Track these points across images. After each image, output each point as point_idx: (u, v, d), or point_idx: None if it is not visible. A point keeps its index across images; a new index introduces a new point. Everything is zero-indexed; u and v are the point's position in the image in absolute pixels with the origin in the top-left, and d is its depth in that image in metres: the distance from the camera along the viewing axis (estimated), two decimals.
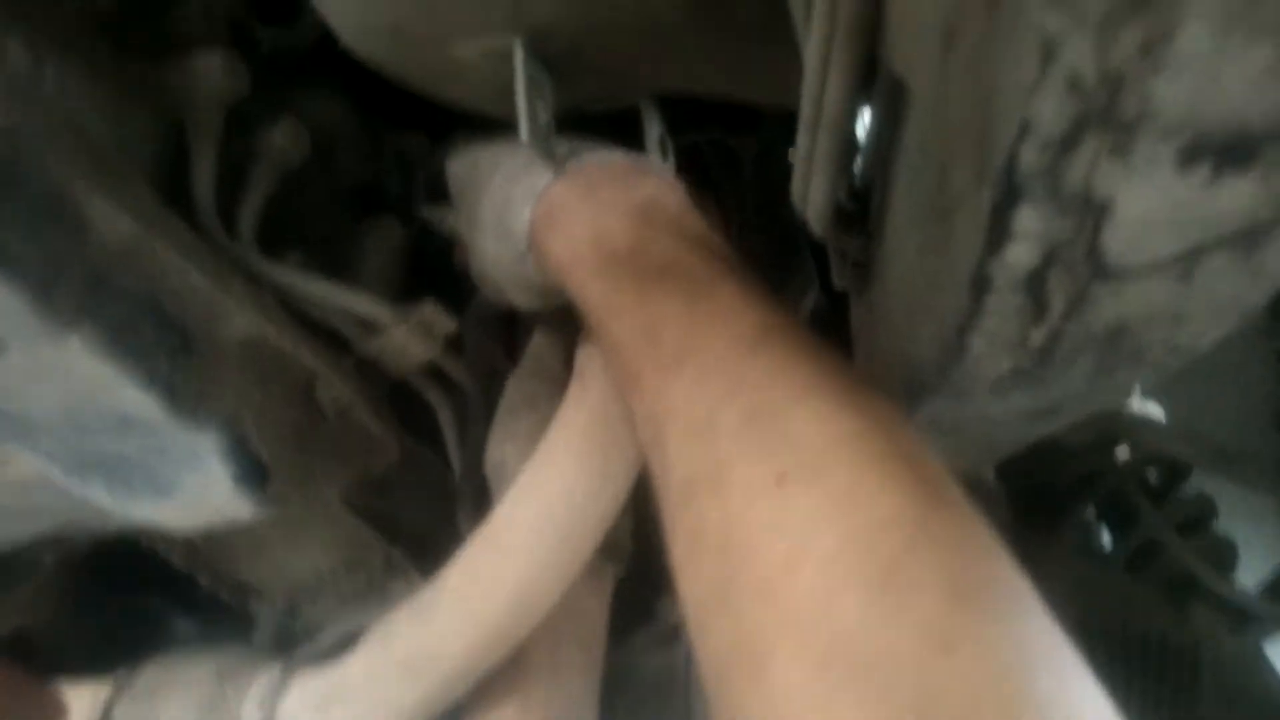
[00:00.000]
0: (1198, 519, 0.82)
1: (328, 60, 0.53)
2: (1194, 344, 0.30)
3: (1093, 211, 0.24)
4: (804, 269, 0.81)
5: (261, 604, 0.75)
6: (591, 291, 0.44)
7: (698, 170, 0.75)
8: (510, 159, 0.51)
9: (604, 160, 0.49)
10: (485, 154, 0.54)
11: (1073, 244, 0.25)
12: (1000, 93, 0.23)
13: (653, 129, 0.54)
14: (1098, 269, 0.26)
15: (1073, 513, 0.83)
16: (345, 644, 0.54)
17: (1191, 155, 0.22)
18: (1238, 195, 0.23)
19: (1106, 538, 0.87)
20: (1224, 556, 0.81)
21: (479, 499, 0.59)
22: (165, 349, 0.42)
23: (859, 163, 0.42)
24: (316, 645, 0.68)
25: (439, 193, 0.65)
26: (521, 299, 0.54)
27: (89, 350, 0.39)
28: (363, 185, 0.65)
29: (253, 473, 0.47)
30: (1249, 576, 0.82)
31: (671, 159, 0.56)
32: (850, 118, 0.36)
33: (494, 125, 0.53)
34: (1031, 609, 0.29)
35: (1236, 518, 0.88)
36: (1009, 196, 0.24)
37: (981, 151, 0.25)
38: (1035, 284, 0.27)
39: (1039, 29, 0.20)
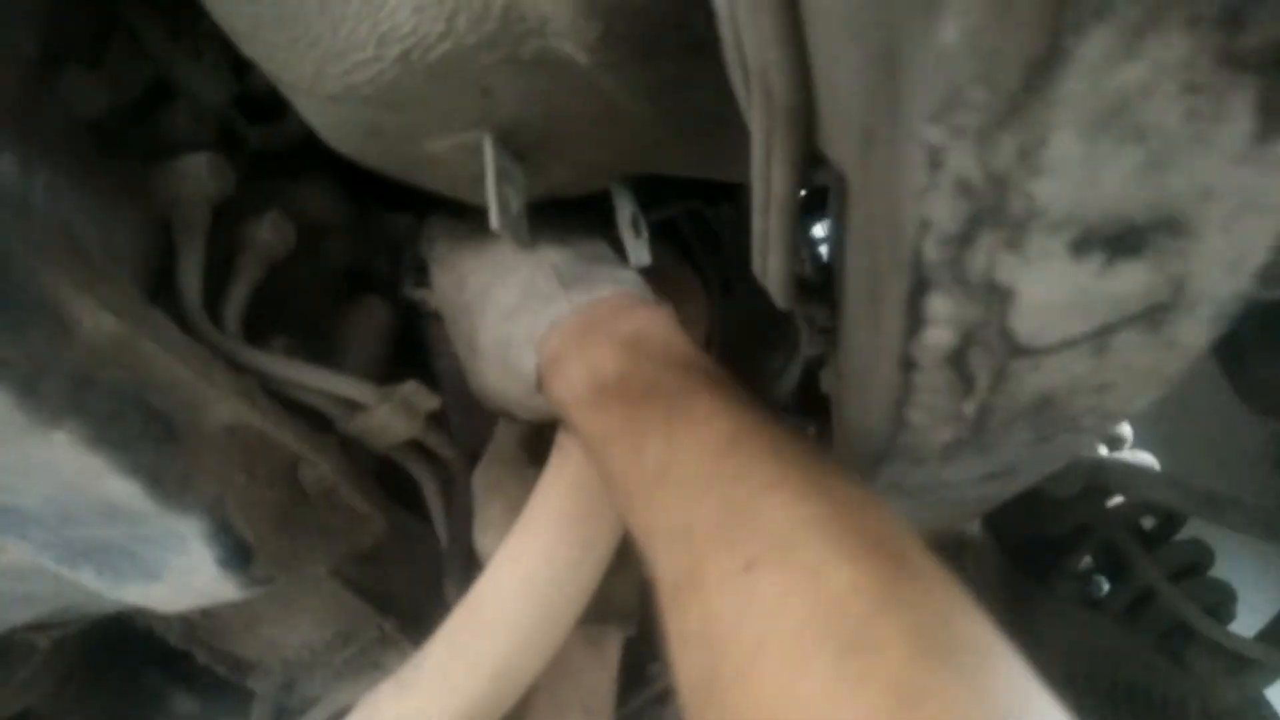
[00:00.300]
0: (1192, 565, 0.82)
1: (315, 152, 0.56)
2: (1124, 409, 0.31)
3: (998, 298, 0.25)
4: (792, 332, 0.82)
5: (258, 679, 0.75)
6: (586, 423, 0.47)
7: (677, 242, 0.77)
8: (501, 288, 0.54)
9: (596, 296, 0.52)
10: (473, 274, 0.57)
11: (985, 326, 0.26)
12: (902, 193, 0.24)
13: (624, 210, 0.56)
14: (1013, 348, 0.27)
15: (1067, 563, 0.83)
16: (335, 716, 0.55)
17: (1082, 246, 0.23)
18: (1134, 280, 0.24)
19: (1107, 587, 0.87)
20: (1221, 602, 0.81)
21: (466, 570, 0.60)
22: (149, 439, 0.44)
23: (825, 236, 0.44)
24: (308, 718, 0.68)
25: (426, 274, 0.67)
26: (527, 418, 0.57)
27: (74, 444, 0.41)
28: (351, 267, 0.68)
29: (237, 555, 0.48)
30: (1254, 622, 0.82)
31: (645, 236, 0.58)
32: (795, 201, 0.38)
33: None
34: (1005, 665, 0.30)
35: (1238, 563, 0.88)
36: (919, 285, 0.25)
37: (896, 243, 0.26)
38: (958, 362, 0.28)
39: (924, 140, 0.22)
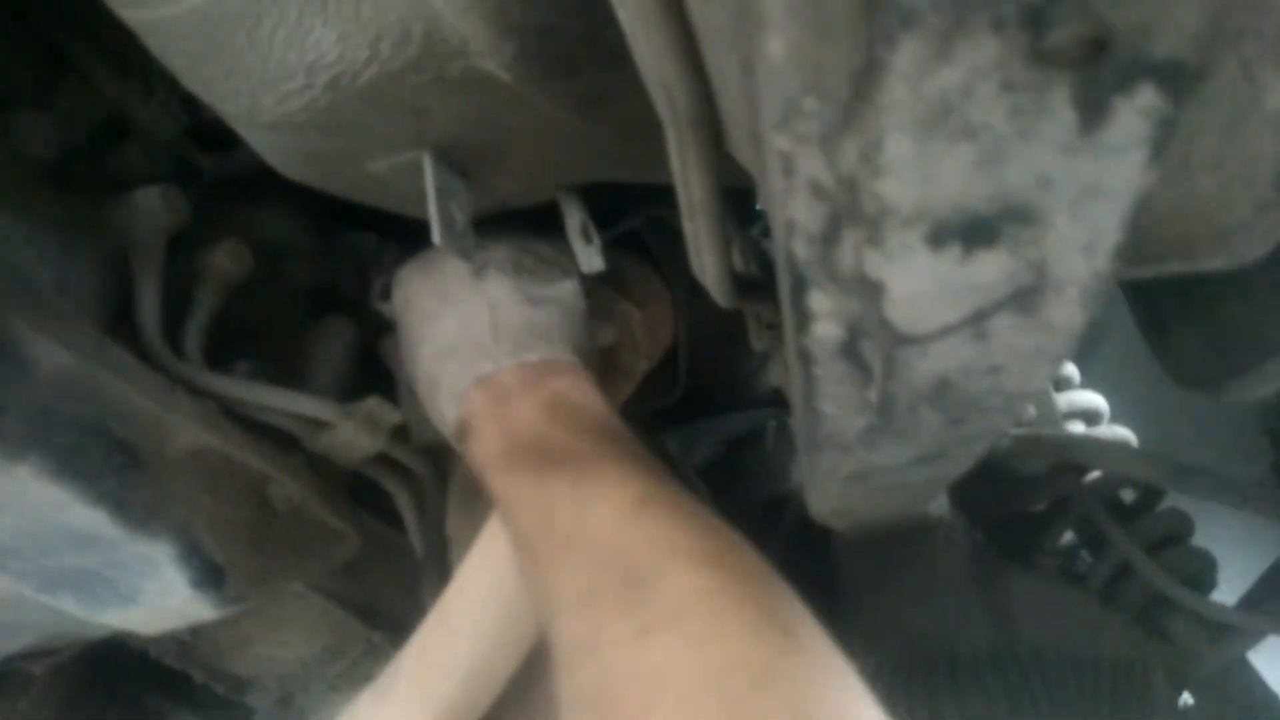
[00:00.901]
0: (1171, 536, 0.82)
1: (272, 177, 0.57)
2: (1024, 388, 0.32)
3: (870, 291, 0.26)
4: None
5: (256, 695, 0.77)
6: (499, 485, 0.49)
7: (638, 248, 0.79)
8: (439, 322, 0.56)
9: (522, 358, 0.53)
10: (418, 297, 0.58)
11: (866, 318, 0.27)
12: (770, 195, 0.26)
13: (573, 218, 0.58)
14: (896, 337, 0.28)
15: (1046, 540, 0.84)
16: None
17: (938, 239, 0.24)
18: (994, 267, 0.25)
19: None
20: (1201, 571, 0.81)
21: (442, 577, 0.61)
22: (113, 468, 0.45)
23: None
24: None
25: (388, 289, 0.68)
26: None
27: (39, 476, 0.42)
28: (317, 287, 0.69)
29: (209, 576, 0.49)
30: (1241, 587, 0.82)
31: (596, 243, 0.59)
32: (717, 204, 0.39)
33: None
34: None
35: (1223, 531, 0.89)
36: (798, 283, 0.27)
37: (777, 244, 0.27)
38: (851, 353, 0.29)
39: (775, 147, 0.23)
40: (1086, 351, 1.05)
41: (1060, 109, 0.21)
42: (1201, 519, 0.84)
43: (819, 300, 0.27)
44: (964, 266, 0.25)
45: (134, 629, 0.53)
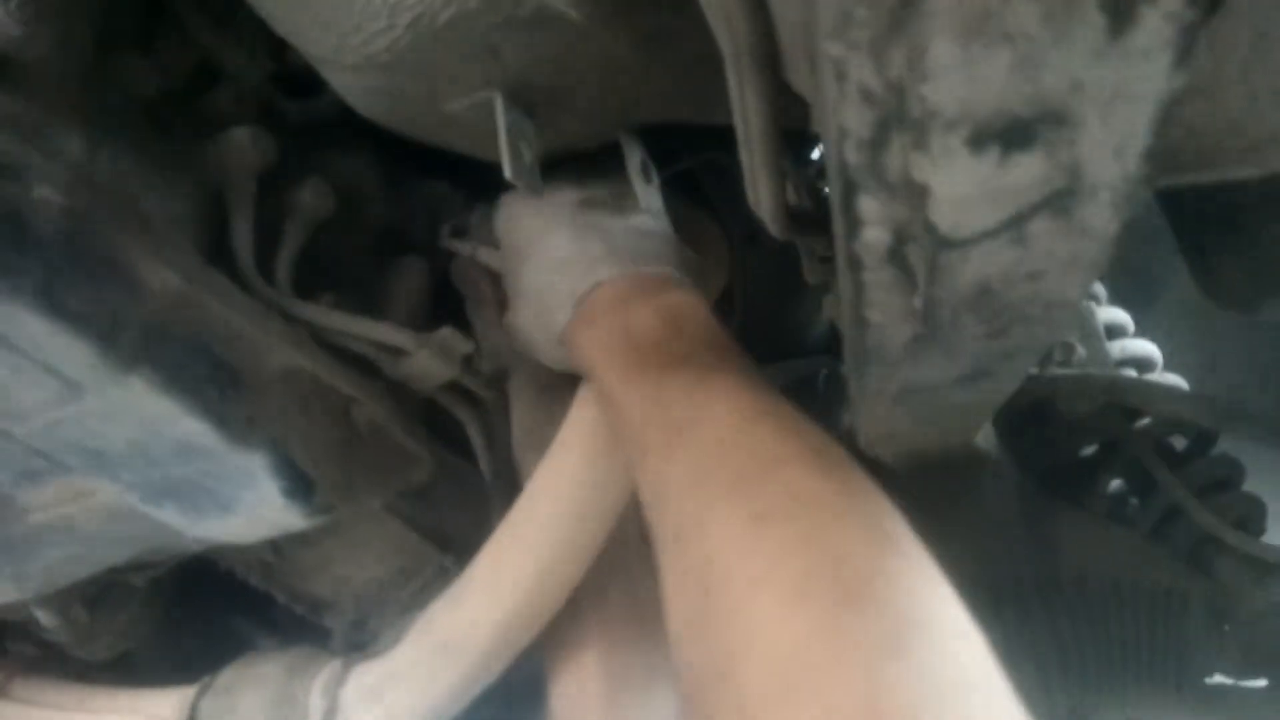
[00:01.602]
0: (1222, 481, 0.83)
1: (352, 123, 0.61)
2: (1062, 295, 0.34)
3: (916, 195, 0.29)
4: None
5: (333, 617, 0.82)
6: (612, 376, 0.50)
7: (697, 193, 0.81)
8: (553, 238, 0.58)
9: (641, 269, 0.56)
10: (528, 217, 0.61)
11: (912, 222, 0.30)
12: (823, 106, 0.28)
13: (633, 157, 0.60)
14: (940, 241, 0.30)
15: (1095, 484, 0.85)
16: (398, 638, 0.61)
17: (978, 142, 0.27)
18: (1031, 169, 0.28)
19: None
20: (1251, 516, 0.82)
21: (510, 500, 0.65)
22: (215, 384, 0.49)
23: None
24: (376, 645, 0.75)
25: (461, 230, 0.72)
26: (545, 360, 0.61)
27: (149, 388, 0.46)
28: (390, 229, 0.73)
29: (300, 486, 0.53)
30: None
31: (656, 182, 0.62)
32: (774, 132, 0.41)
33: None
34: (972, 644, 0.34)
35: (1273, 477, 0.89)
36: (848, 188, 0.29)
37: (828, 153, 0.30)
38: (897, 258, 0.32)
39: (829, 56, 0.25)
40: (1142, 302, 1.05)
41: (1090, 13, 0.23)
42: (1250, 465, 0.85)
43: (868, 205, 0.29)
44: (1002, 168, 0.27)
45: (230, 539, 0.58)
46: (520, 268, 0.60)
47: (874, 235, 0.31)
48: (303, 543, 0.73)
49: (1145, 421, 0.83)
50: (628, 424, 0.48)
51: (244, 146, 0.55)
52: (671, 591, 0.40)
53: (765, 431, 0.42)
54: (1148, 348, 0.94)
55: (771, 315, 1.00)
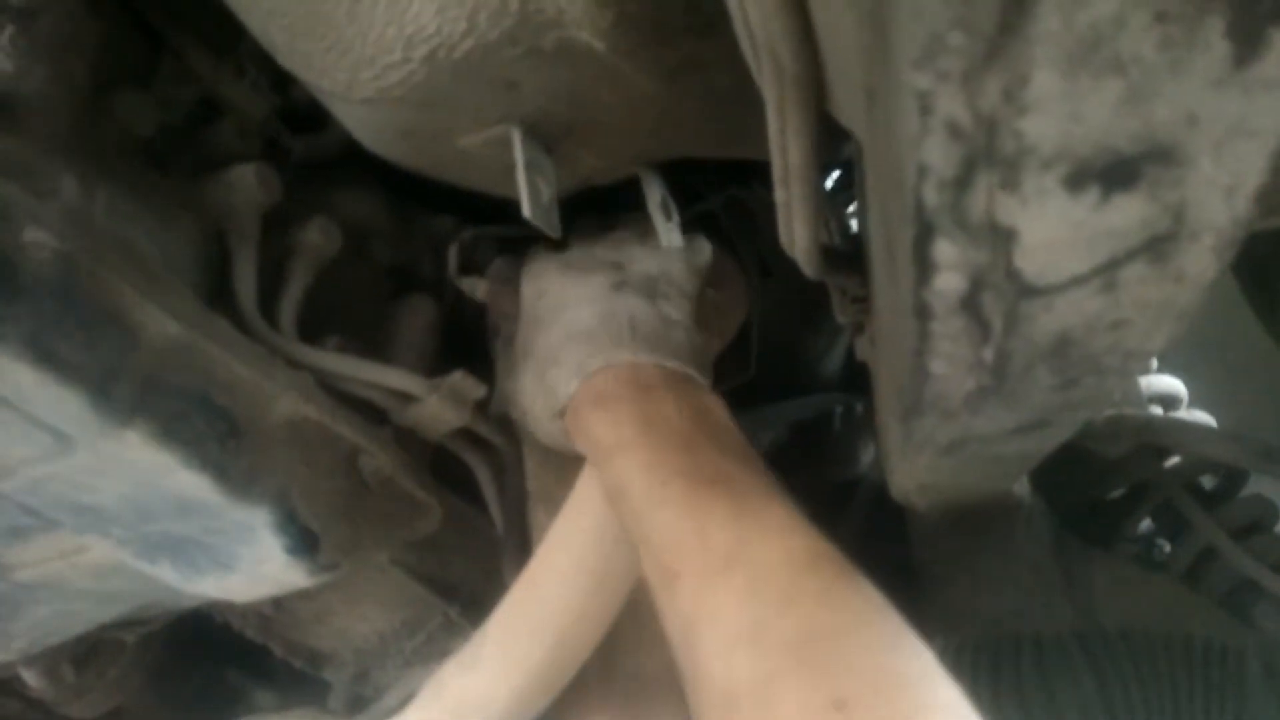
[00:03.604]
0: (1256, 522, 0.80)
1: (358, 159, 0.58)
2: (1145, 347, 0.32)
3: (1001, 239, 0.26)
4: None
5: (333, 670, 0.78)
6: (635, 479, 0.45)
7: (714, 227, 0.79)
8: (576, 310, 0.55)
9: (661, 360, 0.52)
10: (556, 287, 0.58)
11: (993, 268, 0.27)
12: (900, 142, 0.25)
13: (653, 194, 0.58)
14: (1022, 289, 0.28)
15: (1126, 527, 0.82)
16: (406, 701, 0.57)
17: (1077, 181, 0.24)
18: (1132, 212, 0.25)
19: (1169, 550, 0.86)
20: None
21: (522, 552, 0.62)
22: (215, 435, 0.46)
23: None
24: (381, 704, 0.71)
25: (470, 267, 0.69)
26: (539, 434, 0.58)
27: (145, 442, 0.43)
28: (398, 267, 0.70)
29: (304, 542, 0.50)
30: None
31: (676, 219, 0.59)
32: (813, 169, 0.39)
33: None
34: None
35: None
36: (924, 232, 0.26)
37: (900, 193, 0.27)
38: (971, 307, 0.29)
39: (913, 87, 0.23)
40: None
41: (1214, 40, 0.21)
42: None
43: (945, 250, 0.27)
44: (1100, 211, 0.25)
45: (229, 597, 0.54)
46: (536, 333, 0.57)
47: (948, 282, 0.28)
48: (301, 594, 0.70)
49: (1175, 461, 0.81)
50: (648, 542, 0.43)
51: (248, 184, 0.52)
52: None
53: (830, 582, 0.38)
54: (1173, 384, 0.92)
55: (786, 350, 0.97)
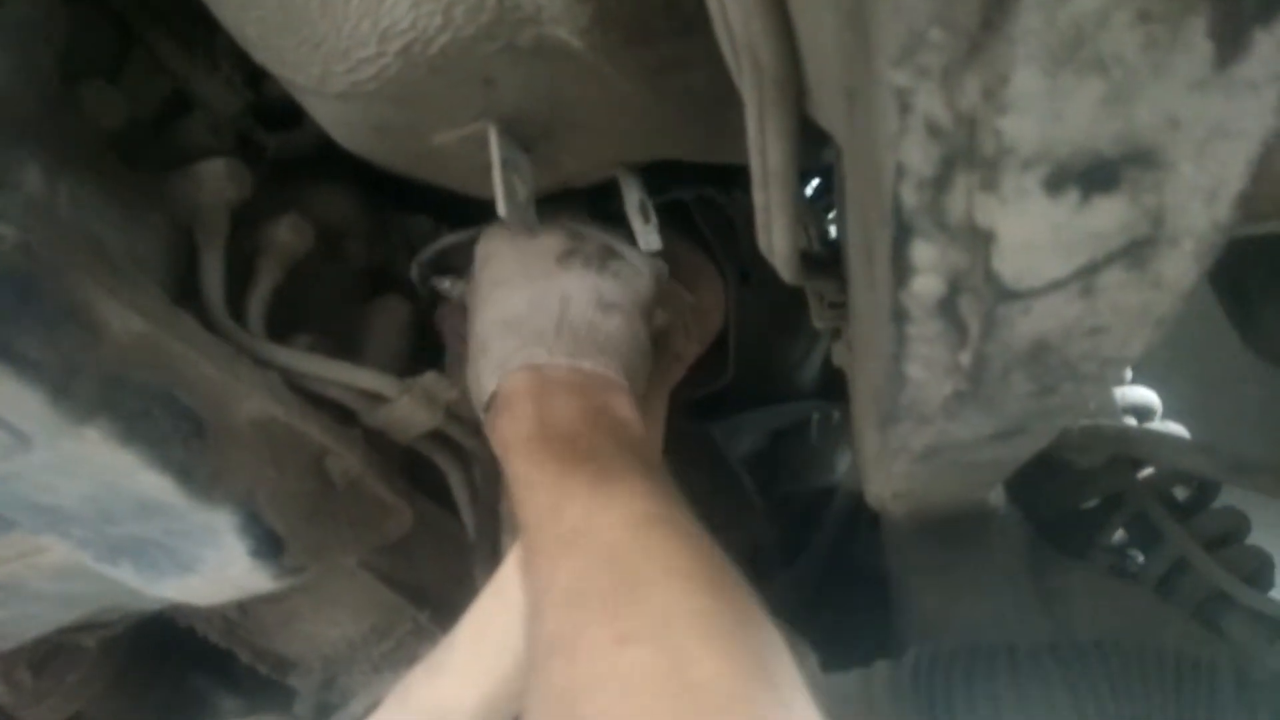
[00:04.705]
0: (1227, 534, 0.81)
1: (332, 157, 0.57)
2: (1122, 354, 0.31)
3: (980, 241, 0.25)
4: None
5: (299, 676, 0.77)
6: (518, 466, 0.48)
7: (692, 231, 0.78)
8: (511, 291, 0.55)
9: (577, 364, 0.53)
10: (497, 259, 0.58)
11: (971, 271, 0.27)
12: (879, 142, 0.25)
13: (632, 196, 0.57)
14: (1001, 292, 0.27)
15: (1100, 537, 0.83)
16: (372, 707, 0.56)
17: (1056, 183, 0.24)
18: (1111, 215, 0.25)
19: (1142, 560, 0.86)
20: (1259, 570, 0.79)
21: (493, 556, 0.61)
22: (179, 435, 0.45)
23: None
24: (347, 711, 0.70)
25: (444, 267, 0.68)
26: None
27: (106, 441, 0.42)
28: (372, 267, 0.69)
29: (268, 546, 0.49)
30: None
31: (654, 222, 0.59)
32: (793, 172, 0.38)
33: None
34: None
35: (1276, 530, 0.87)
36: (902, 233, 0.26)
37: (879, 194, 0.27)
38: (949, 310, 0.29)
39: (892, 85, 0.22)
40: None
41: (1196, 40, 0.21)
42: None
43: (923, 252, 0.26)
44: (1080, 214, 0.24)
45: (191, 600, 0.53)
46: (477, 313, 0.57)
47: (925, 284, 0.28)
48: (267, 598, 0.68)
49: (1148, 472, 0.81)
50: (525, 519, 0.46)
51: (218, 178, 0.51)
52: (531, 710, 0.38)
53: (652, 543, 0.41)
54: (1147, 395, 0.92)
55: (763, 356, 0.97)
